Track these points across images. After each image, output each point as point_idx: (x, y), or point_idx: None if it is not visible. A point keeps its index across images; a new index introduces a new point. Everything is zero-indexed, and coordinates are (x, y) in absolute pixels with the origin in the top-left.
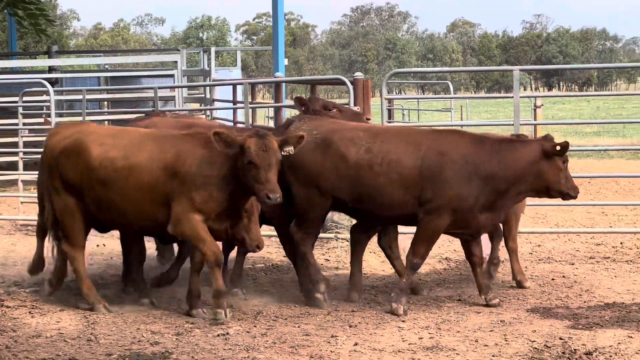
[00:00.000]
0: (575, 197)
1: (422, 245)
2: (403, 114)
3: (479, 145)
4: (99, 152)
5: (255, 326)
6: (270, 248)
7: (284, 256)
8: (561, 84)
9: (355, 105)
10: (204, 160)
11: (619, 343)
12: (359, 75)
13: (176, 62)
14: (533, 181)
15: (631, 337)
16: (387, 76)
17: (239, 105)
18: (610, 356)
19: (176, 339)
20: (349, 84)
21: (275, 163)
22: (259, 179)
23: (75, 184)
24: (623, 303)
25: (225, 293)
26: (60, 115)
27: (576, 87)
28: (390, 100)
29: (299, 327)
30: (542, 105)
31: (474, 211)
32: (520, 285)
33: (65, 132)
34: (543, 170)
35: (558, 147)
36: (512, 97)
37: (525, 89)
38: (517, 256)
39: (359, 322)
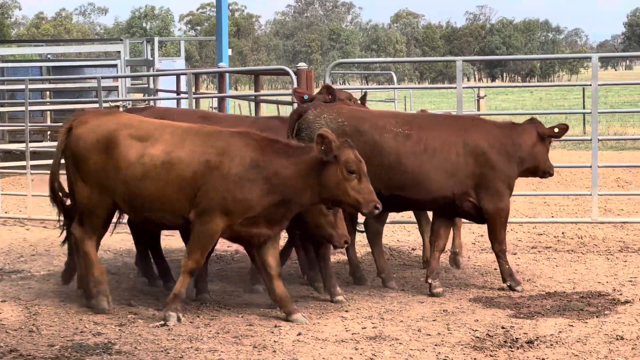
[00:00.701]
0: (552, 175)
1: (500, 231)
2: None
3: (502, 129)
4: (137, 147)
5: (198, 316)
6: None
7: (228, 246)
8: (504, 74)
9: None
10: (253, 161)
11: (560, 332)
12: (302, 65)
13: (119, 52)
14: (530, 161)
15: (572, 325)
16: (331, 66)
17: (182, 95)
18: (552, 344)
19: (119, 329)
20: (292, 74)
21: None
22: (363, 190)
23: (105, 177)
24: (564, 292)
25: (181, 299)
26: (2, 105)
27: (519, 78)
28: None
29: (242, 317)
30: (485, 96)
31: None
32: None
33: (96, 121)
34: (538, 151)
35: (556, 130)
36: (455, 87)
37: (468, 80)
38: (460, 231)
39: (303, 312)
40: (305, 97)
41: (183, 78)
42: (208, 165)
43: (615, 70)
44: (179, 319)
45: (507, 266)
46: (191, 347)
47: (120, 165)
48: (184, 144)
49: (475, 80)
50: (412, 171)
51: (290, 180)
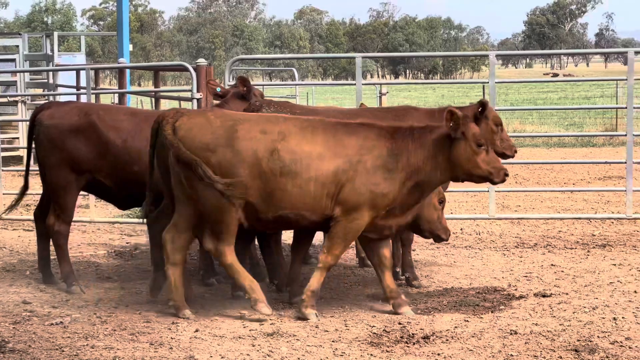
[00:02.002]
0: (512, 156)
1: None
2: None
3: (433, 117)
4: (268, 143)
5: (95, 313)
6: (113, 234)
7: (127, 242)
8: (407, 71)
9: (198, 92)
10: (389, 151)
11: (456, 327)
12: (201, 61)
13: (18, 46)
14: None
15: (467, 320)
16: (230, 62)
17: (82, 91)
18: (447, 340)
19: (13, 327)
20: (191, 70)
21: None
22: (492, 160)
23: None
24: (461, 288)
25: (317, 295)
26: None
27: (422, 75)
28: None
29: (139, 313)
30: (387, 92)
31: None
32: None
33: (204, 120)
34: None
35: (479, 108)
36: (355, 84)
37: (372, 77)
38: None
39: (200, 308)
40: (218, 89)
41: (83, 73)
42: (350, 161)
43: (516, 68)
44: (317, 316)
45: (409, 257)
46: (87, 345)
47: (255, 161)
48: (315, 138)
49: (379, 76)
50: None
51: (422, 163)
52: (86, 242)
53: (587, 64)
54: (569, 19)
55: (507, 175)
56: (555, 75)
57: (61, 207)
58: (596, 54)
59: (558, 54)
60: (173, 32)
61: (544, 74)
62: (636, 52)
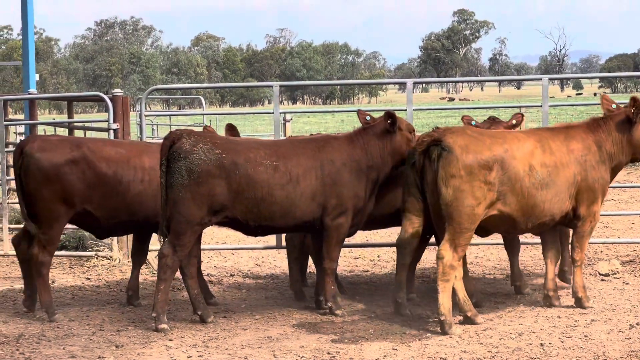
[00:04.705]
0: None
1: (335, 248)
2: (153, 129)
3: (352, 142)
4: (525, 159)
5: (17, 350)
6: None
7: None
8: (305, 97)
9: (115, 122)
10: (595, 144)
11: (385, 355)
12: (117, 91)
13: None
14: (392, 160)
15: (396, 349)
16: (147, 92)
17: None
18: None
19: None
20: (108, 100)
21: None
22: None
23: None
24: (386, 315)
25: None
26: None
27: (320, 100)
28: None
29: (64, 348)
30: (291, 119)
31: None
32: None
33: (475, 139)
34: (396, 146)
35: (389, 121)
36: (272, 112)
37: (269, 102)
38: None
39: (126, 342)
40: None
41: None
42: (579, 162)
43: (413, 92)
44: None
45: (332, 287)
46: None
47: (516, 177)
48: (552, 148)
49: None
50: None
51: (613, 149)
52: (1, 276)
53: (482, 89)
54: (463, 44)
55: None
56: (452, 99)
57: None
58: (512, 80)
59: (469, 81)
60: (69, 60)
61: (440, 99)
62: (550, 79)
